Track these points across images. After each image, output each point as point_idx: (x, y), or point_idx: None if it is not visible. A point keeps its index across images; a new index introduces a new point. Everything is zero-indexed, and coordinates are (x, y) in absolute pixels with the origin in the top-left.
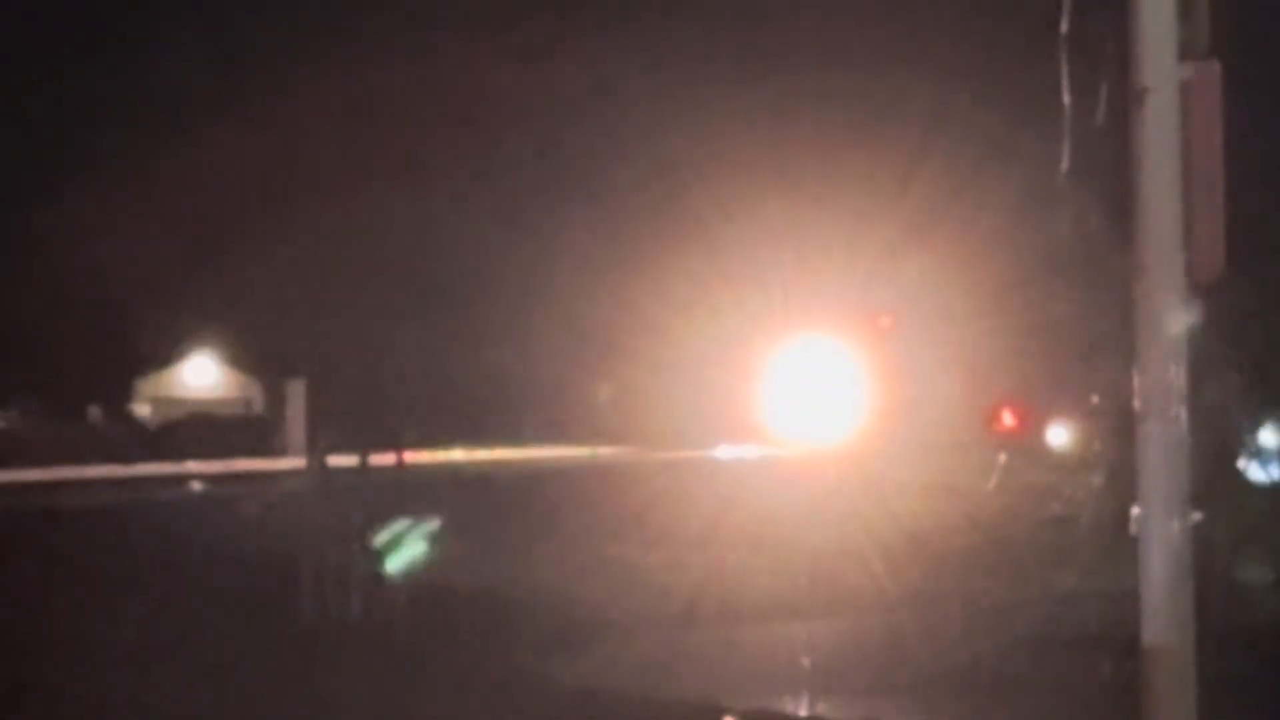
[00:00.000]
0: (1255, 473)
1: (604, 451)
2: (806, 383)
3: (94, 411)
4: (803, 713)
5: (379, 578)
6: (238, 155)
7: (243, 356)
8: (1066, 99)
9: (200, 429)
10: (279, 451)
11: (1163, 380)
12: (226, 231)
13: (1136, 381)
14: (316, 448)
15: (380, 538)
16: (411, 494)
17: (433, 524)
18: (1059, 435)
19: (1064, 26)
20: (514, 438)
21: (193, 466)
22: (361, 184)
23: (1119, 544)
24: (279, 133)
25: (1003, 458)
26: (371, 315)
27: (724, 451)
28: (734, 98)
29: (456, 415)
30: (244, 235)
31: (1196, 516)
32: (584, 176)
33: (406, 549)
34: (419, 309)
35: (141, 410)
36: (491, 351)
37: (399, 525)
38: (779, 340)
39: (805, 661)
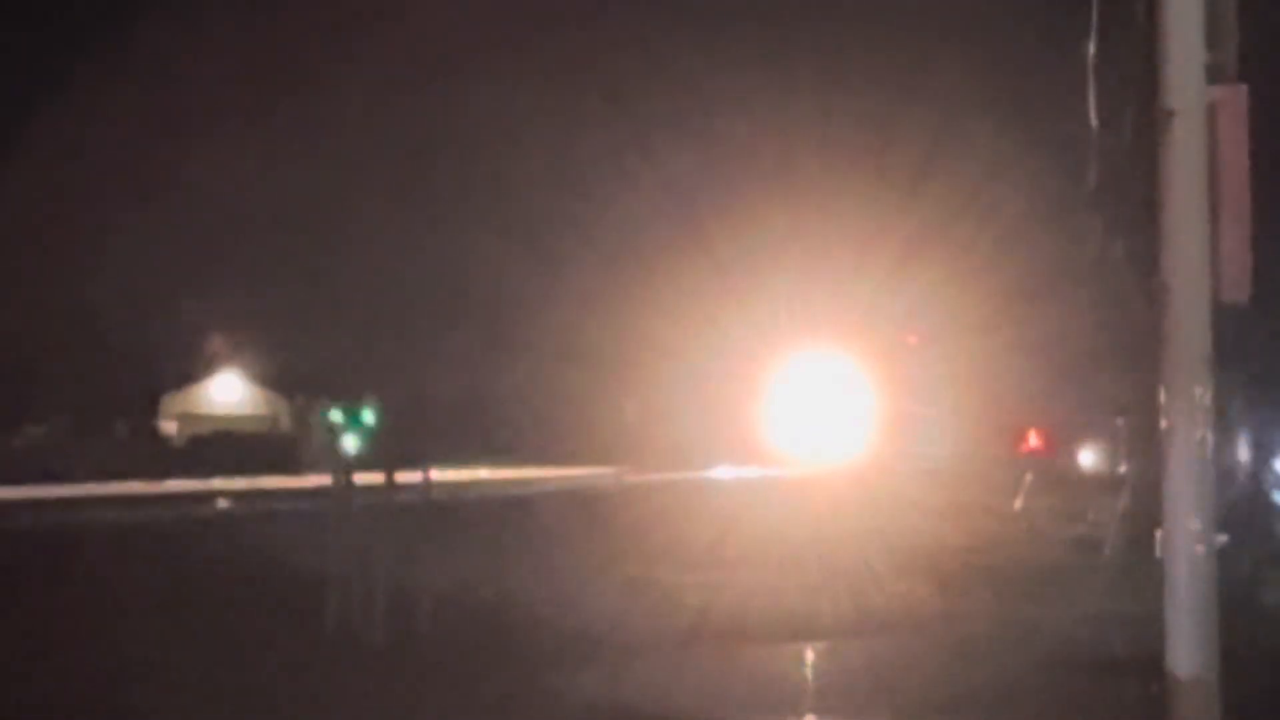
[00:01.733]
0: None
1: (598, 472)
2: (814, 401)
3: (121, 428)
4: None
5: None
6: (267, 177)
7: (269, 374)
8: (1094, 120)
9: (226, 446)
10: (304, 469)
11: (1188, 400)
12: (255, 251)
13: (1162, 402)
14: (341, 465)
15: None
16: (435, 512)
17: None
18: (1085, 456)
19: (1091, 48)
20: (510, 456)
21: (218, 483)
22: (385, 205)
23: (1144, 566)
24: (307, 154)
25: (1029, 478)
26: (398, 334)
27: (724, 472)
28: (745, 116)
29: (475, 434)
30: (272, 255)
31: (1222, 539)
32: (594, 195)
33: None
34: (445, 328)
35: (168, 427)
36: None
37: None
38: (785, 357)
39: (826, 681)
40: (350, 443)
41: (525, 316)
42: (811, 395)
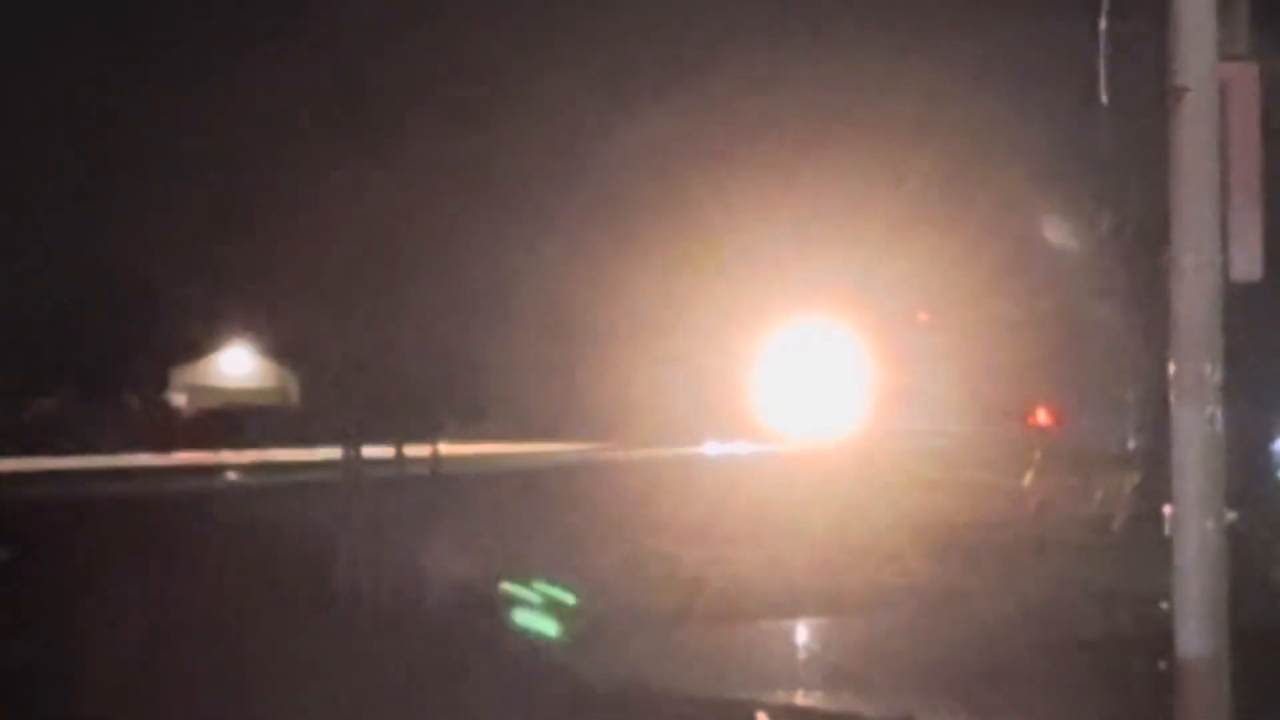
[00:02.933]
0: None
1: (587, 448)
2: (807, 374)
3: (131, 400)
4: (836, 709)
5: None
6: (276, 144)
7: (279, 346)
8: (1105, 97)
9: (235, 418)
10: (314, 442)
11: (1198, 377)
12: (265, 221)
13: (1172, 378)
14: (351, 439)
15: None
16: (442, 487)
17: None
18: (1094, 433)
19: (1103, 25)
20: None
21: (228, 456)
22: (384, 176)
23: (1153, 543)
24: (312, 123)
25: (1038, 454)
26: (401, 306)
27: (713, 448)
28: (735, 79)
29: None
30: (282, 225)
31: (1231, 515)
32: (579, 165)
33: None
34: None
35: (177, 399)
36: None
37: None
38: (777, 328)
39: (832, 658)
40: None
41: (505, 284)
42: (805, 368)
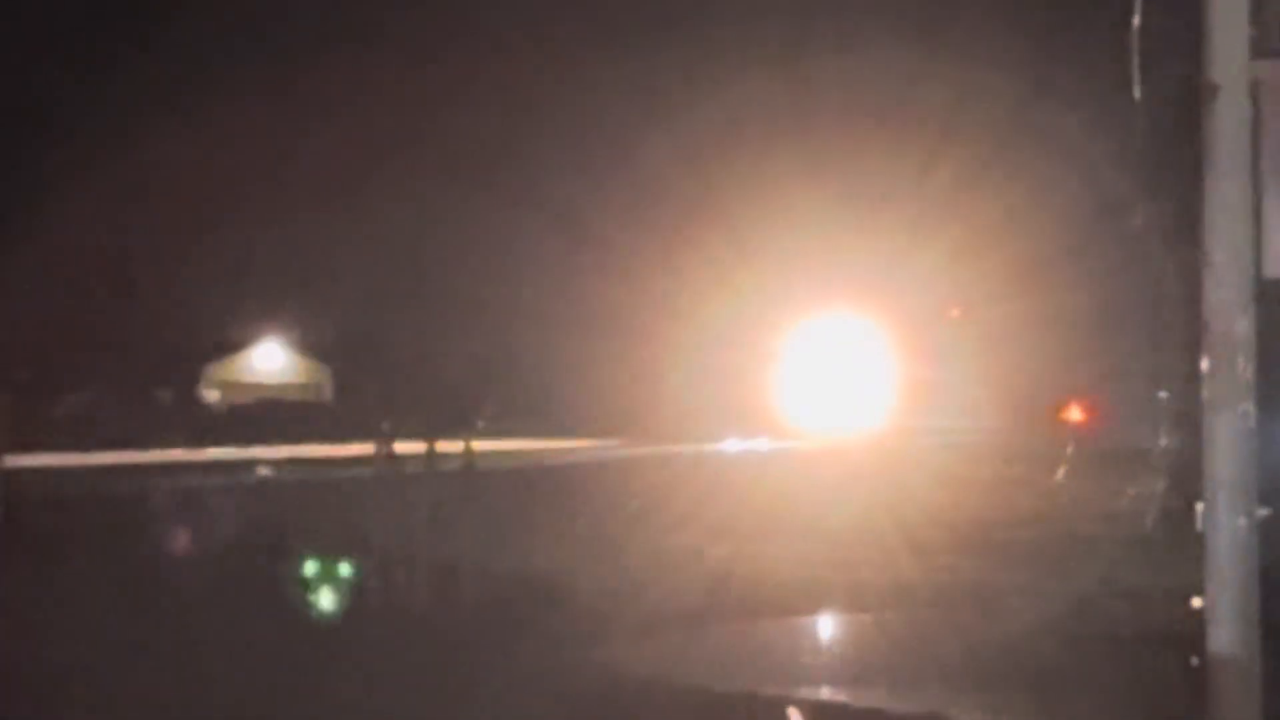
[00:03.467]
0: None
1: (611, 444)
2: (832, 368)
3: (163, 395)
4: (865, 705)
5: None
6: (308, 148)
7: (311, 343)
8: (1137, 93)
9: (267, 414)
10: (346, 438)
11: (1230, 374)
12: (297, 220)
13: (1204, 375)
14: (383, 435)
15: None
16: (474, 481)
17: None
18: (1127, 429)
19: (1136, 20)
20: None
21: (259, 451)
22: (416, 176)
23: (1185, 539)
24: (346, 126)
25: (1070, 451)
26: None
27: (734, 445)
28: (762, 73)
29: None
30: (316, 223)
31: (1264, 512)
32: (610, 165)
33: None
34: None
35: (210, 395)
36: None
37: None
38: (800, 323)
39: (866, 654)
40: None
41: (532, 283)
42: (831, 363)
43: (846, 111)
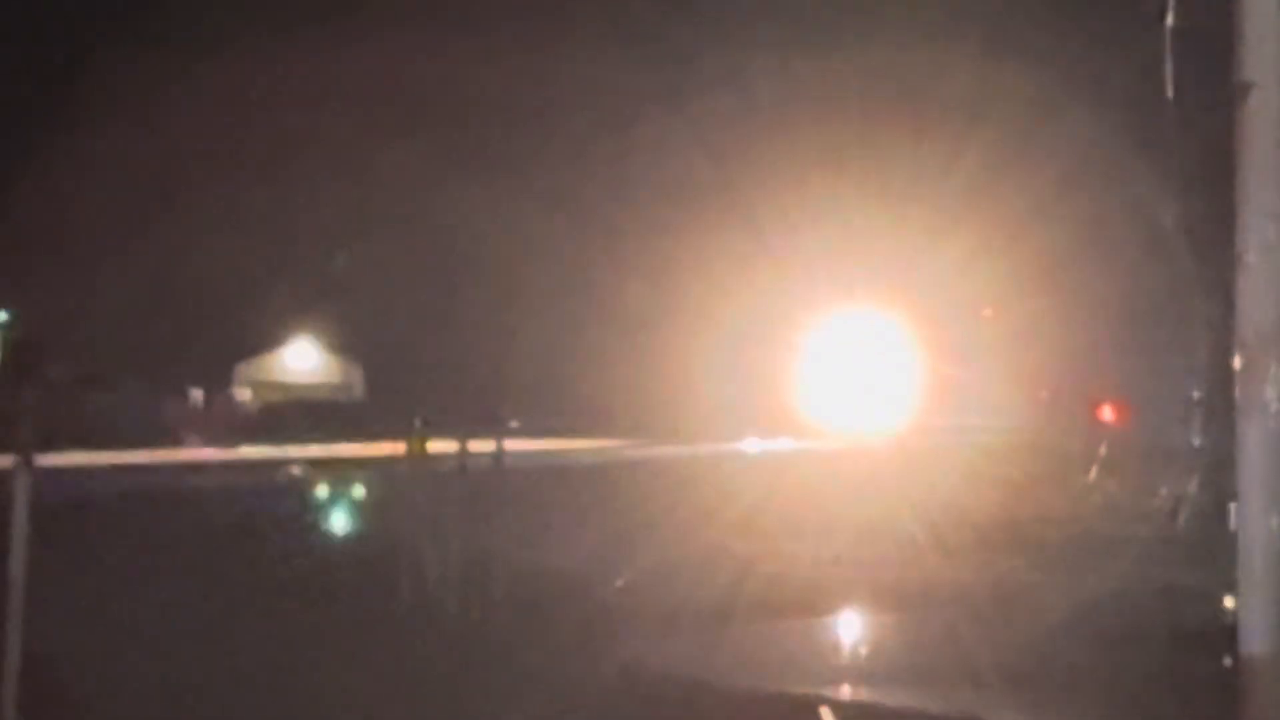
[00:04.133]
0: None
1: (635, 444)
2: (861, 366)
3: (195, 394)
4: (899, 705)
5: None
6: (339, 145)
7: (344, 341)
8: (1171, 91)
9: (299, 413)
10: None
11: (1263, 372)
12: (329, 217)
13: (1237, 373)
14: (415, 434)
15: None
16: (508, 482)
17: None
18: (1160, 428)
19: (1169, 19)
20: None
21: (291, 450)
22: (441, 176)
23: (1218, 538)
24: (370, 124)
25: (1103, 450)
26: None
27: (751, 445)
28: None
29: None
30: (345, 222)
31: None
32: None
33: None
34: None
35: (242, 394)
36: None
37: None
38: (821, 318)
39: (900, 654)
40: None
41: (554, 280)
42: (853, 360)
43: (872, 104)
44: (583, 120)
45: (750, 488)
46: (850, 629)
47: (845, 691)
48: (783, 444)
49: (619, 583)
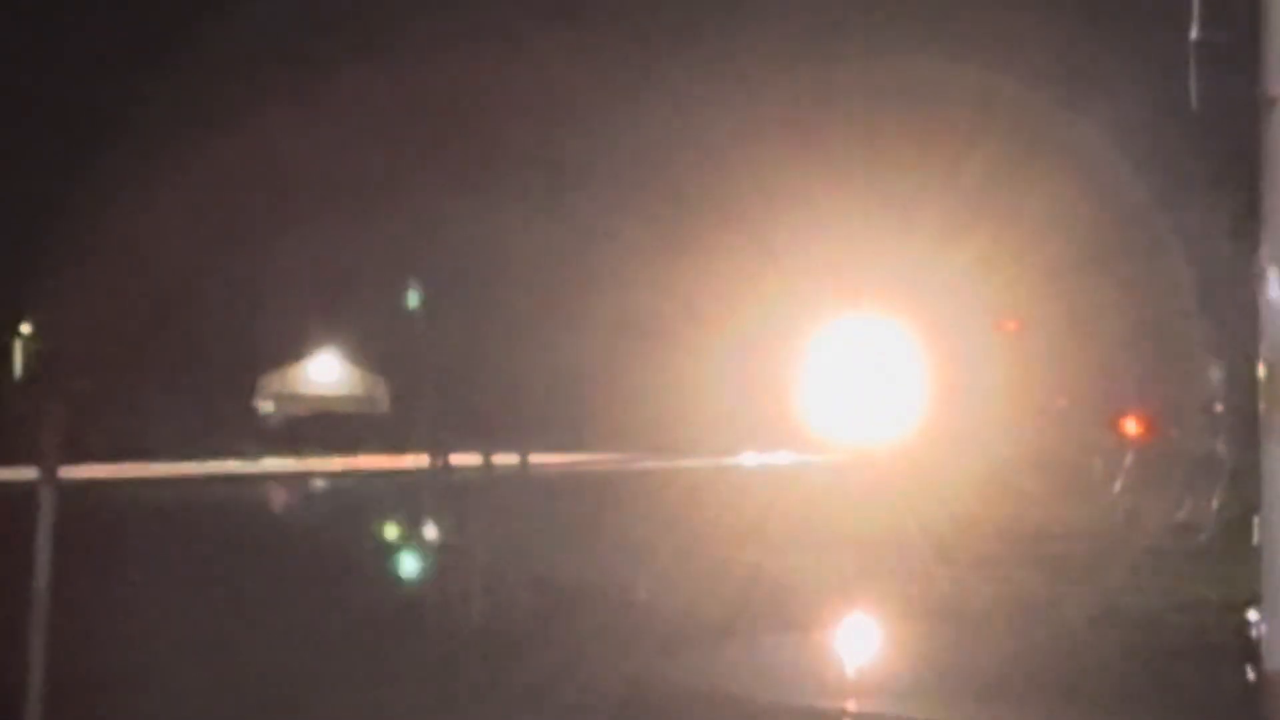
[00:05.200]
0: None
1: (637, 457)
2: (869, 377)
3: (220, 407)
4: (920, 718)
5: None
6: (366, 163)
7: (367, 355)
8: (1196, 105)
9: (323, 425)
10: (403, 450)
11: None
12: (353, 233)
13: (1260, 386)
14: (439, 447)
15: None
16: (531, 494)
17: None
18: (1184, 441)
19: (1194, 34)
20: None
21: (315, 462)
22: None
23: (1242, 552)
24: (400, 141)
25: (1128, 461)
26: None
27: (750, 459)
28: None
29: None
30: (370, 237)
31: None
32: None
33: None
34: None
35: (266, 406)
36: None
37: None
38: (835, 329)
39: (924, 665)
40: None
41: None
42: (868, 372)
43: (883, 118)
44: (588, 133)
45: (767, 499)
46: (869, 642)
47: (866, 704)
48: (797, 457)
49: (641, 594)
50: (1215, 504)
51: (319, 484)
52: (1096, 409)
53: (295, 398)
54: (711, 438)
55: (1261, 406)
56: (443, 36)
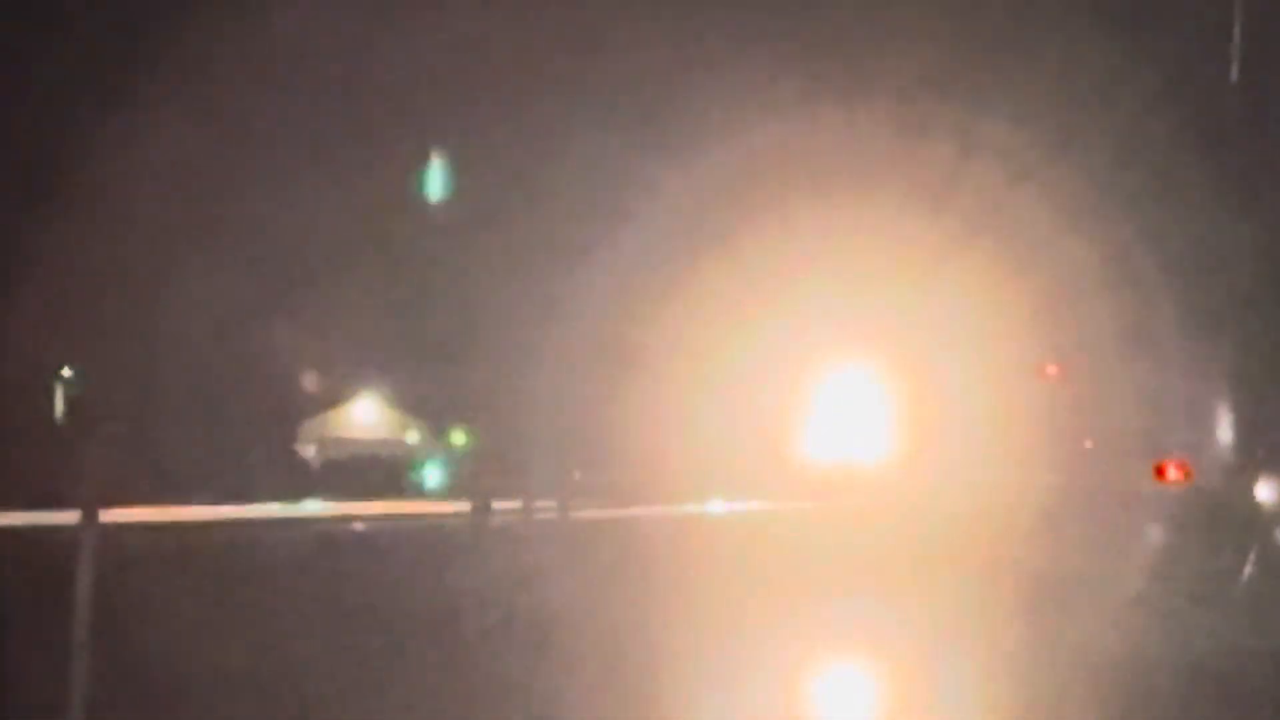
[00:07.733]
0: None
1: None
2: (895, 420)
3: (260, 449)
4: None
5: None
6: (403, 201)
7: (409, 399)
8: (1238, 144)
9: (363, 470)
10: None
11: None
12: (396, 276)
13: None
14: (480, 492)
15: None
16: (569, 541)
17: None
18: (1223, 486)
19: (1234, 74)
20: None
21: (354, 507)
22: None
23: None
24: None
25: (1167, 507)
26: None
27: (718, 506)
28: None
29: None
30: (410, 280)
31: None
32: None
33: None
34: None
35: (306, 450)
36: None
37: None
38: (818, 372)
39: (957, 698)
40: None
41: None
42: (894, 416)
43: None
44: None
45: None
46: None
47: None
48: (814, 502)
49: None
50: (1254, 548)
51: (358, 528)
52: (1136, 453)
53: (337, 441)
54: (741, 483)
55: None
56: (443, 72)
